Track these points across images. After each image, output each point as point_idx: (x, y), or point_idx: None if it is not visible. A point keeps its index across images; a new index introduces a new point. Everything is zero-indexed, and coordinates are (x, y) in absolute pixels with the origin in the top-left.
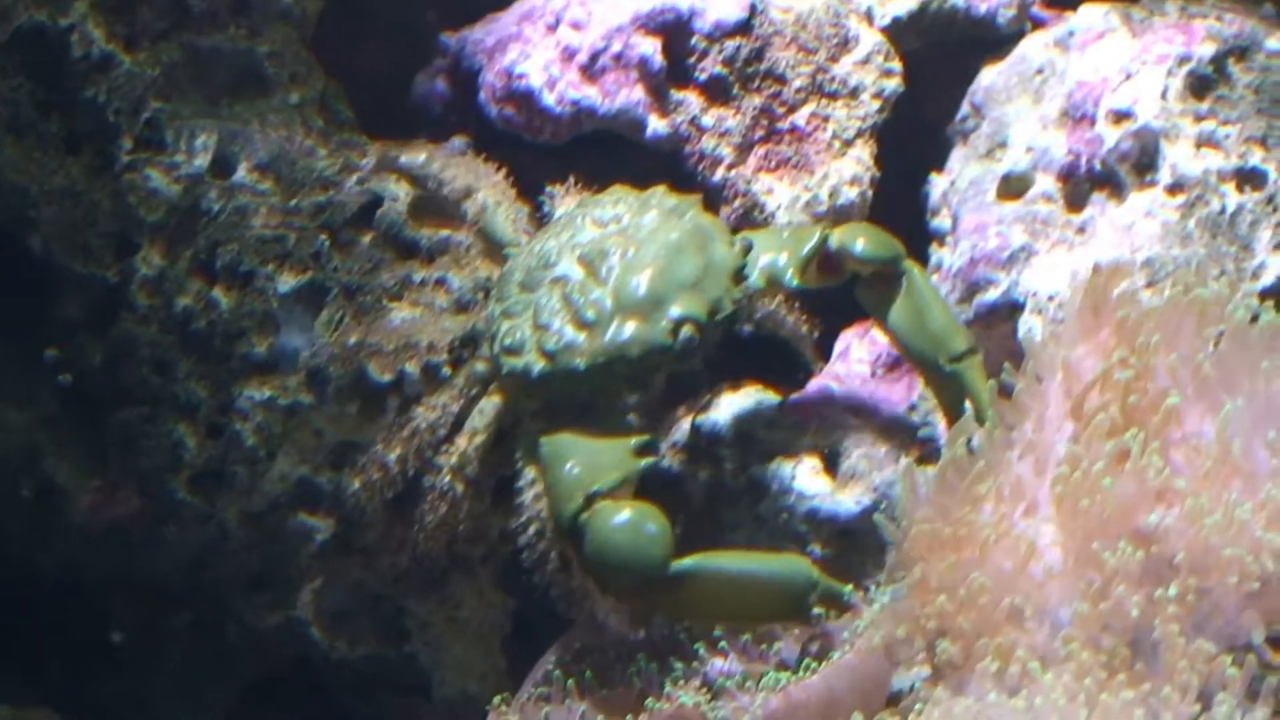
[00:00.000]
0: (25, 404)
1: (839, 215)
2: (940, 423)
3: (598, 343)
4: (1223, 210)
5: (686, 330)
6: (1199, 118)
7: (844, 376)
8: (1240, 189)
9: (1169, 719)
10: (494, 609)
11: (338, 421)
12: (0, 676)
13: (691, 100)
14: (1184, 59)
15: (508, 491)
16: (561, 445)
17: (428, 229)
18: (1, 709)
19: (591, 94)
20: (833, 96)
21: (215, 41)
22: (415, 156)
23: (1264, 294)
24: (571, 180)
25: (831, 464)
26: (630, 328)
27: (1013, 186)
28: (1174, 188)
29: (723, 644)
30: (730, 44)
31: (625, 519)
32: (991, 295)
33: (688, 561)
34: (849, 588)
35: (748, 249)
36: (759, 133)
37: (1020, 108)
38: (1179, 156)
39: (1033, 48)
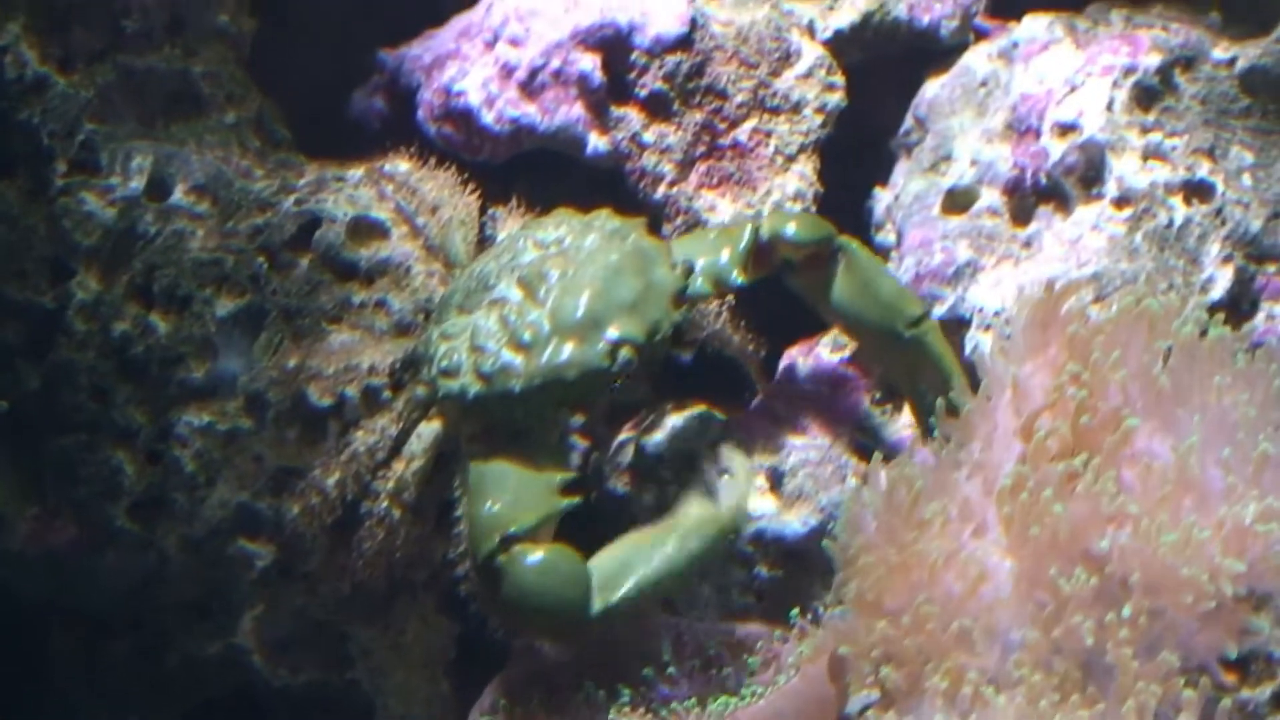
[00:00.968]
0: None
1: None
2: (888, 434)
3: (534, 365)
4: (1170, 223)
5: (624, 352)
6: (1145, 129)
7: (789, 395)
8: (1188, 202)
9: None
10: (438, 634)
11: (277, 446)
12: None
13: (632, 117)
14: (1129, 70)
15: (450, 515)
16: (486, 476)
17: (367, 249)
18: None
19: (531, 112)
20: (775, 111)
21: (150, 62)
22: (398, 165)
23: (1213, 307)
24: (515, 201)
25: (777, 484)
26: (567, 349)
27: (958, 201)
28: (1121, 201)
29: (670, 669)
30: (671, 60)
31: (542, 561)
32: (938, 311)
33: (601, 603)
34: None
35: (689, 271)
36: (701, 149)
37: (964, 121)
38: (1126, 169)
39: (976, 59)
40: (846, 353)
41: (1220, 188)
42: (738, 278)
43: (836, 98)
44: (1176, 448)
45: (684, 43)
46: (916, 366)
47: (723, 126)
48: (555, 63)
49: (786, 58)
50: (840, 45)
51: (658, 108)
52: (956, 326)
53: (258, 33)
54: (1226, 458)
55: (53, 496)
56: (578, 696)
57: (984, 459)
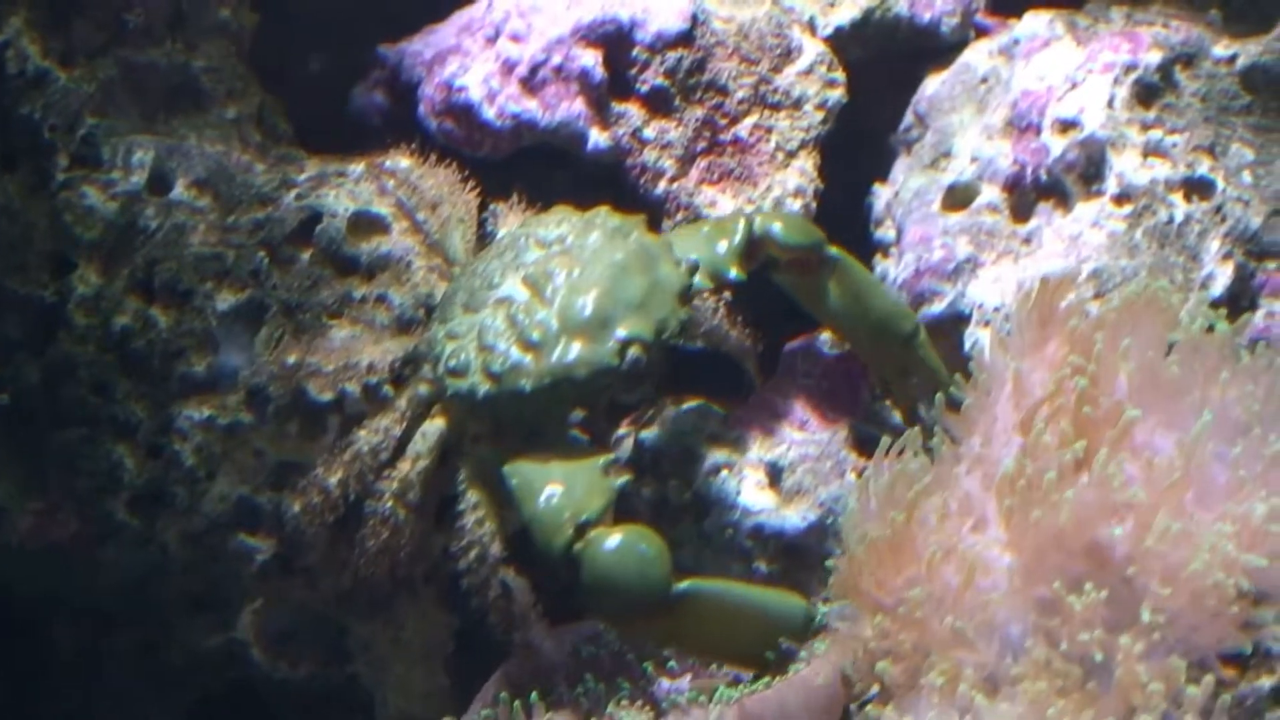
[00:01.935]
0: None
1: None
2: (888, 429)
3: (544, 364)
4: (1170, 220)
5: (633, 351)
6: (1146, 126)
7: (788, 390)
8: (1188, 199)
9: None
10: (437, 628)
11: (278, 441)
12: None
13: (633, 112)
14: (1130, 67)
15: (452, 509)
16: (529, 474)
17: (368, 244)
18: None
19: (532, 107)
20: (775, 107)
21: (151, 57)
22: (398, 160)
23: (1213, 304)
24: (516, 197)
25: (776, 479)
26: (576, 349)
27: (958, 197)
28: (1121, 197)
29: (671, 664)
30: (672, 55)
31: (620, 543)
32: (937, 307)
33: (687, 584)
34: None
35: (694, 269)
36: (701, 144)
37: (965, 117)
38: (1126, 166)
39: (977, 56)
40: (845, 347)
41: (1220, 185)
42: (734, 272)
43: (837, 94)
44: (1180, 442)
45: (685, 38)
46: (908, 374)
47: (723, 122)
48: (556, 58)
49: (787, 54)
50: (841, 42)
51: (659, 103)
52: (956, 322)
53: (258, 27)
54: (1230, 454)
55: (54, 491)
56: (577, 690)
57: (984, 453)
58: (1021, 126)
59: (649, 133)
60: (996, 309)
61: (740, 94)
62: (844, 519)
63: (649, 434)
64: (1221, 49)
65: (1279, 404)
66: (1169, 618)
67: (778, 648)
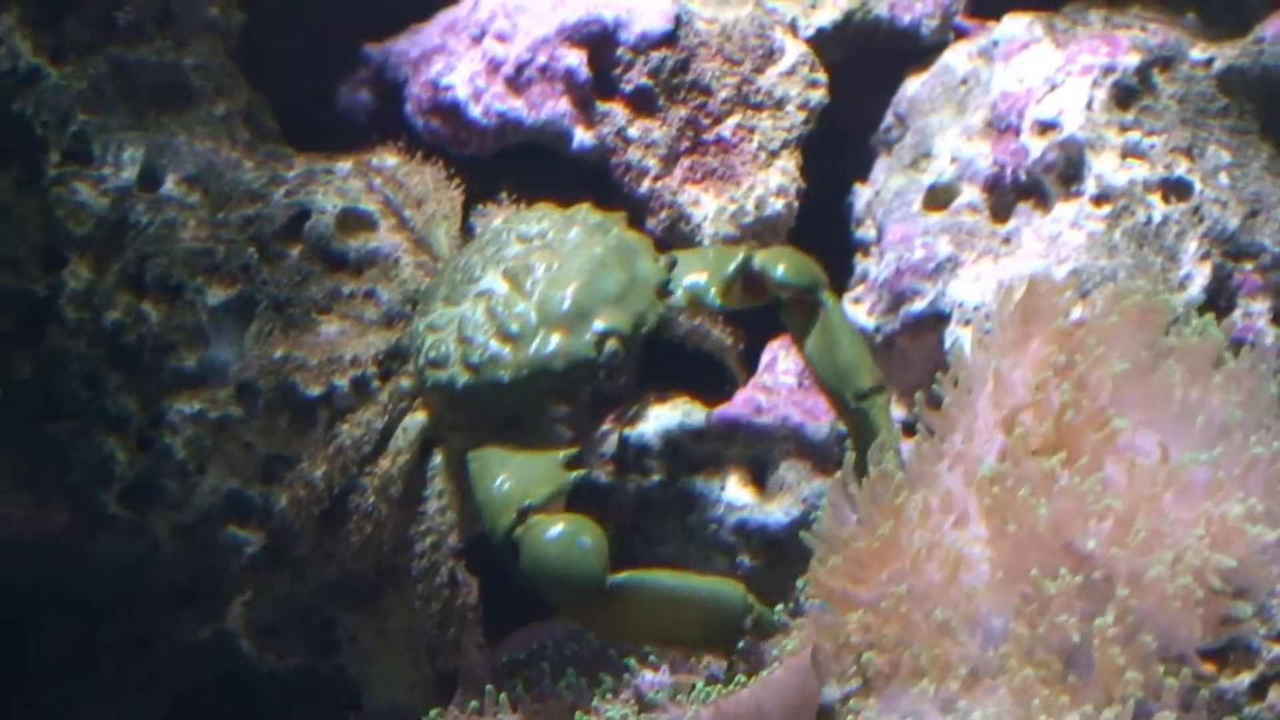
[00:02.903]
0: None
1: (765, 226)
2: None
3: (522, 355)
4: (1149, 221)
5: (611, 344)
6: (1124, 128)
7: (770, 388)
8: (1166, 200)
9: None
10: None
11: (268, 434)
12: None
13: (618, 112)
14: (1109, 69)
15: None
16: (489, 460)
17: (356, 240)
18: None
19: (518, 106)
20: (758, 108)
21: (141, 54)
22: (385, 158)
23: (1195, 306)
24: (505, 197)
25: (759, 475)
26: (555, 340)
27: (938, 197)
28: (1100, 198)
29: (653, 658)
30: (656, 55)
31: (560, 532)
32: (918, 306)
33: (623, 576)
34: (779, 610)
35: (672, 264)
36: (685, 144)
37: (944, 118)
38: (1105, 167)
39: (957, 58)
40: None
41: (1198, 186)
42: (715, 299)
43: (819, 95)
44: (1161, 444)
45: (669, 39)
46: (859, 433)
47: (707, 122)
48: (542, 58)
49: (770, 55)
50: (822, 43)
51: (643, 103)
52: (936, 321)
53: (245, 26)
54: (1210, 456)
55: (44, 483)
56: (561, 683)
57: (965, 450)
58: (1001, 128)
59: (633, 132)
60: (977, 308)
61: (723, 94)
62: (822, 514)
63: (633, 430)
64: (1199, 52)
65: (1261, 408)
66: (1145, 612)
67: (720, 636)
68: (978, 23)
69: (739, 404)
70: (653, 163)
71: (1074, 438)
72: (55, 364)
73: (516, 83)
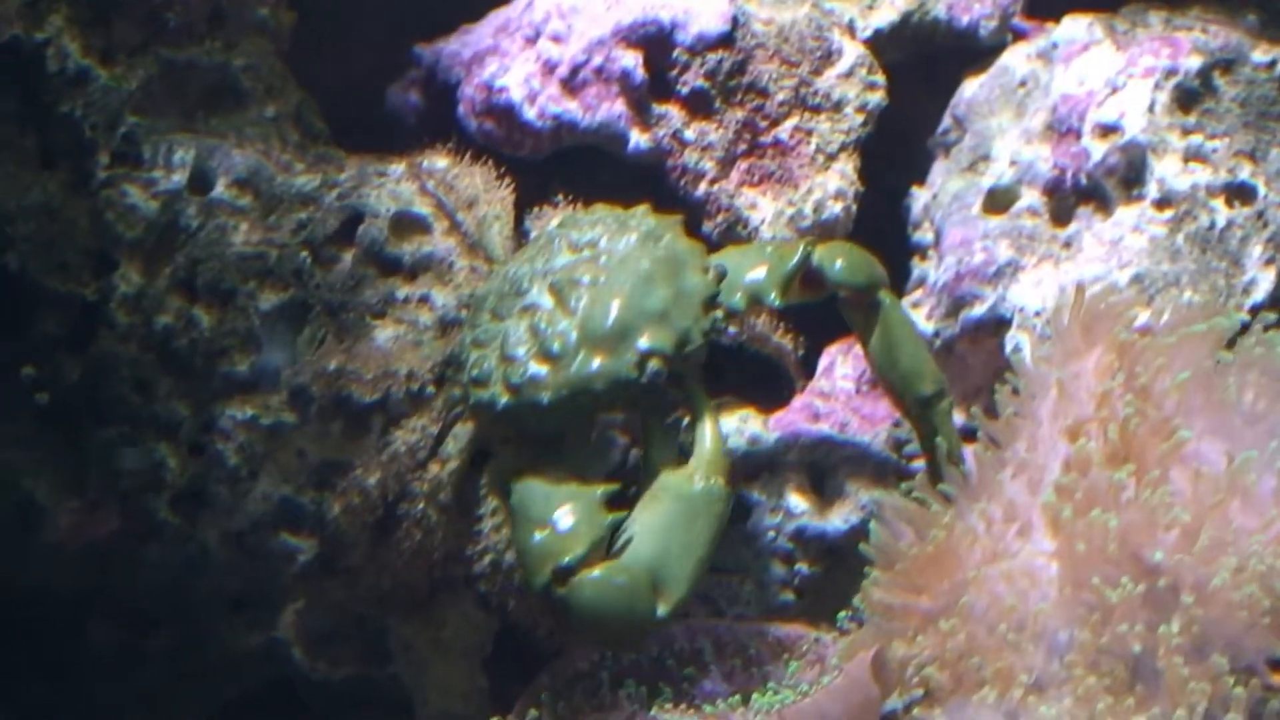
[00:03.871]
0: (3, 422)
1: (824, 229)
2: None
3: (562, 377)
4: (1212, 225)
5: (653, 364)
6: (1186, 131)
7: (828, 393)
8: (1230, 204)
9: None
10: (476, 629)
11: (320, 441)
12: None
13: (673, 114)
14: (1170, 72)
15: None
16: (529, 498)
17: (410, 244)
18: None
19: (573, 108)
20: (816, 110)
21: (191, 55)
22: (436, 161)
23: (1254, 310)
24: (562, 199)
25: (818, 482)
26: (596, 362)
27: (998, 200)
28: (1162, 202)
29: (711, 667)
30: (712, 57)
31: (598, 588)
32: (978, 310)
33: (674, 600)
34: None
35: (721, 275)
36: (742, 146)
37: (1003, 121)
38: (1167, 171)
39: (1015, 60)
40: None
41: (1262, 190)
42: (775, 298)
43: (878, 97)
44: (1226, 453)
45: (726, 40)
46: (924, 439)
47: (764, 124)
48: (597, 59)
49: (828, 56)
50: (880, 44)
51: (699, 105)
52: (997, 326)
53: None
54: (1278, 465)
55: (94, 489)
56: (620, 693)
57: (1028, 459)
58: (1061, 130)
59: (689, 134)
60: (1037, 313)
61: (780, 96)
62: (879, 526)
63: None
64: (1260, 54)
65: None
66: (1214, 623)
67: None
68: (1036, 24)
69: (796, 410)
70: (709, 165)
71: (1139, 448)
72: (105, 368)
73: (571, 84)
